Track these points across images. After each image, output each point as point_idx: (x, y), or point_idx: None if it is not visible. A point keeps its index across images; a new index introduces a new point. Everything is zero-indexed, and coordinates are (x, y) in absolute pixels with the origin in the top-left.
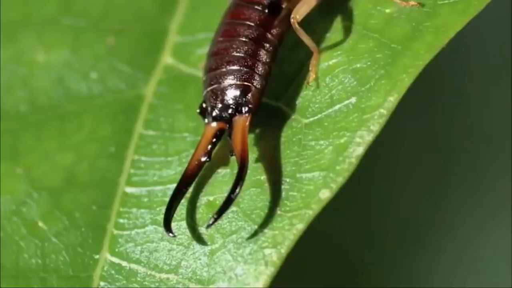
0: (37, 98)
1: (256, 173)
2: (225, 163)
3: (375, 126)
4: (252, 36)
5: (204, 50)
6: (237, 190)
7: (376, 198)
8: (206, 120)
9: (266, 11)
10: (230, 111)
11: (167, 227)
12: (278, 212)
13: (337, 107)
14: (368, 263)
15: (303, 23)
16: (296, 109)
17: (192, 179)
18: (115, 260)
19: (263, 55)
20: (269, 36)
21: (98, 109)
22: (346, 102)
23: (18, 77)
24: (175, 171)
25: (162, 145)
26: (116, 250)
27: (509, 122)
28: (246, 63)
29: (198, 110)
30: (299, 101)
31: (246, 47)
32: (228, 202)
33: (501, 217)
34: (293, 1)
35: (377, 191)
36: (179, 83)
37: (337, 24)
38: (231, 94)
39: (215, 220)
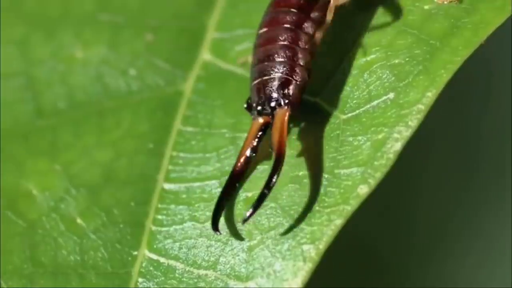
0: (76, 94)
1: (294, 169)
2: (266, 157)
3: (413, 122)
4: (293, 21)
5: (242, 46)
6: (272, 184)
7: (402, 198)
8: (252, 115)
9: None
10: (272, 104)
11: (215, 225)
12: (317, 208)
13: (375, 102)
14: (393, 263)
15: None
16: (334, 105)
17: (241, 176)
18: (154, 256)
19: (305, 50)
20: (309, 19)
21: (137, 105)
22: (384, 97)
23: (56, 73)
24: (214, 167)
25: (201, 141)
26: (155, 246)
27: None
28: (285, 54)
29: (245, 105)
30: (337, 97)
31: (286, 35)
32: (262, 196)
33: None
34: None
35: (403, 191)
36: (218, 79)
37: (376, 20)
38: (273, 87)
39: (251, 215)
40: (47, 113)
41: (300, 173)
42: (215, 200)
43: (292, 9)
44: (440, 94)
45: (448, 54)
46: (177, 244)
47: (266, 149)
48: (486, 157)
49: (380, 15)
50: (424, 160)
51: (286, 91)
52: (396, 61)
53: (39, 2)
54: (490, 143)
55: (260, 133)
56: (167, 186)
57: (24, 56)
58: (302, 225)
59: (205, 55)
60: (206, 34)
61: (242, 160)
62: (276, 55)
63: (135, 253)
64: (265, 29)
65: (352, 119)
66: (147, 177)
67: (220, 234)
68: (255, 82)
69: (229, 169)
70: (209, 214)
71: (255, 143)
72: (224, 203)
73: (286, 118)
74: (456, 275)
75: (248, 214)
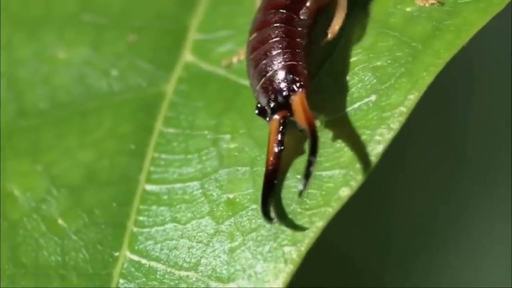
0: (58, 95)
1: None
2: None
3: (395, 124)
4: (282, 19)
5: (224, 47)
6: (316, 154)
7: (383, 200)
8: (267, 119)
9: None
10: (284, 93)
11: (268, 219)
12: (298, 210)
13: (357, 105)
14: (373, 267)
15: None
16: (316, 107)
17: (275, 172)
18: (135, 257)
19: (299, 43)
20: (299, 19)
21: (119, 106)
22: (366, 100)
23: (39, 74)
24: (195, 169)
25: (182, 142)
26: (136, 247)
27: None
28: (281, 45)
29: (256, 111)
30: (319, 99)
31: (278, 31)
32: (309, 171)
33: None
34: None
35: (383, 193)
36: (200, 80)
37: (357, 22)
38: (280, 78)
39: (304, 187)
40: (30, 113)
41: (282, 175)
42: (197, 201)
43: (280, 10)
44: (424, 95)
45: (430, 56)
46: (159, 245)
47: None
48: (470, 158)
49: (362, 18)
50: (405, 160)
51: (294, 75)
52: (378, 63)
53: (22, 3)
54: (474, 144)
55: (281, 127)
56: (148, 187)
57: (7, 56)
58: (284, 227)
59: (187, 56)
60: (188, 35)
61: (272, 157)
62: (272, 49)
63: (116, 254)
64: (255, 34)
65: (334, 121)
66: (129, 178)
67: (276, 222)
68: (260, 84)
69: (210, 170)
70: (190, 215)
71: (280, 138)
72: (269, 200)
73: (305, 100)
74: (438, 277)
75: (301, 187)
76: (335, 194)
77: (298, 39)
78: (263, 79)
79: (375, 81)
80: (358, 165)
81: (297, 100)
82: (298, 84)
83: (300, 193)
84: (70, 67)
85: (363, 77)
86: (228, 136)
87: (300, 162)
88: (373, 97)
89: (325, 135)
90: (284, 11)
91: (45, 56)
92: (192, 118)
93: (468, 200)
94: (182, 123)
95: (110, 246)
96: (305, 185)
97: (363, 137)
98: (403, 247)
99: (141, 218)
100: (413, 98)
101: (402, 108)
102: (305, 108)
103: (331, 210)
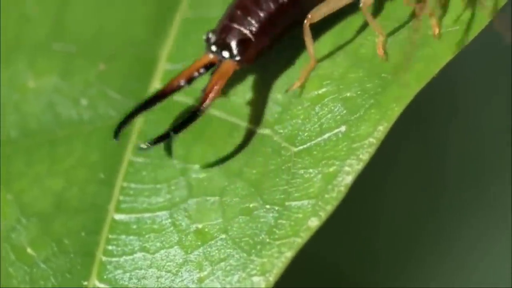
0: (28, 123)
1: (245, 201)
2: None
3: (365, 155)
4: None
5: None
6: (181, 130)
7: (371, 213)
8: (206, 49)
9: None
10: (225, 53)
11: (117, 134)
12: (267, 240)
13: (326, 135)
14: (362, 277)
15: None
16: (286, 137)
17: (165, 97)
18: (104, 286)
19: (276, 22)
20: (285, 12)
21: (88, 135)
22: (336, 130)
23: (10, 102)
24: (164, 199)
25: (151, 172)
26: (105, 276)
27: (507, 129)
28: (260, 21)
29: (204, 37)
30: (288, 129)
31: (266, 6)
32: (161, 138)
33: (500, 227)
34: None
35: (371, 206)
36: (169, 110)
37: (327, 52)
38: (235, 38)
39: (147, 148)
40: (1, 141)
41: (251, 205)
42: (166, 231)
43: None
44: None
45: (400, 87)
46: (127, 274)
47: None
48: (454, 166)
49: (332, 48)
50: (393, 171)
51: (244, 48)
52: (348, 94)
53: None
54: (458, 150)
55: (202, 69)
56: (117, 216)
57: None
58: (253, 257)
59: (157, 86)
60: (158, 64)
61: (174, 83)
62: (251, 13)
63: (85, 283)
64: None
65: (304, 151)
66: (98, 207)
67: (118, 141)
68: (226, 22)
69: (179, 200)
70: (159, 245)
71: (194, 74)
72: (134, 117)
73: (231, 71)
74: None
75: (144, 145)
76: (304, 224)
77: (277, 22)
78: (229, 23)
79: (345, 112)
80: (327, 196)
81: (226, 66)
82: (239, 58)
83: (139, 149)
84: (40, 95)
85: (332, 107)
86: (197, 166)
87: (270, 192)
88: (342, 128)
89: (294, 166)
90: None
91: (16, 84)
92: (161, 148)
93: (454, 212)
94: (151, 153)
95: (79, 275)
96: (148, 146)
97: (333, 168)
98: (392, 256)
99: (110, 247)
100: (382, 129)
101: (372, 139)
102: (222, 77)
103: (300, 241)
